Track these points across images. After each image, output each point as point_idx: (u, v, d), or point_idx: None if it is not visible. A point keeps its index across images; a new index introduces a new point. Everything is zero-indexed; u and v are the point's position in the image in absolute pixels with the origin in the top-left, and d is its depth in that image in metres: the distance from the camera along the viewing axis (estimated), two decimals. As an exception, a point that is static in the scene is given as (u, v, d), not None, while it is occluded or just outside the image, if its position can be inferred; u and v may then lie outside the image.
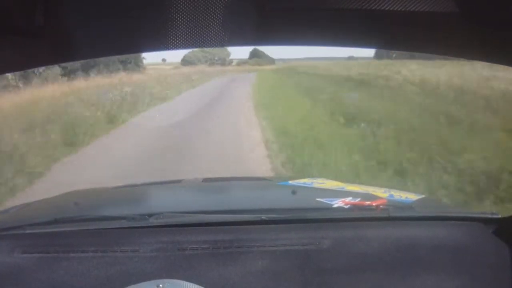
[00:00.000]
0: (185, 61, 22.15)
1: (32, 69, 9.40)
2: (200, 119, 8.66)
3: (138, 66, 19.82)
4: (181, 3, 0.73)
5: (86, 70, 15.72)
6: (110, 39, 0.86)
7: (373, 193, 1.36)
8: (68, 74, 14.97)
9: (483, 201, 3.64)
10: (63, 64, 11.05)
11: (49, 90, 11.55)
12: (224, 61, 25.66)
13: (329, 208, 1.22)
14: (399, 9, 0.72)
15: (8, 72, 1.46)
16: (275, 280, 0.91)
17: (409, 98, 9.11)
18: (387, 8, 0.73)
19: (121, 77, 15.20)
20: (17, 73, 10.80)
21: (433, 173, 4.30)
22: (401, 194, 1.38)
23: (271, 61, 30.73)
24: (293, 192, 1.38)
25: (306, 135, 6.65)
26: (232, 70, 25.20)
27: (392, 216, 1.11)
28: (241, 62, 29.28)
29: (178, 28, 0.78)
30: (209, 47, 0.86)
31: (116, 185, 1.94)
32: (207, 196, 1.68)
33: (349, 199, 1.25)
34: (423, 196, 1.41)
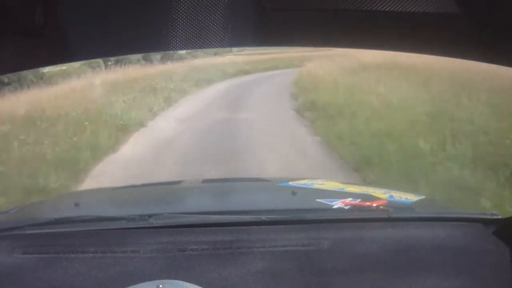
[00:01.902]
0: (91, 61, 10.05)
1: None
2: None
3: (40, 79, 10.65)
4: (181, 3, 0.73)
5: None
6: (110, 40, 0.86)
7: (373, 194, 1.36)
8: None
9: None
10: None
11: None
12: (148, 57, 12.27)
13: (329, 209, 1.22)
14: (399, 10, 0.72)
15: (8, 72, 1.46)
16: (275, 280, 0.91)
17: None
18: (387, 9, 0.73)
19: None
20: None
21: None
22: (401, 195, 1.38)
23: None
24: (293, 193, 1.38)
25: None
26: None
27: (392, 217, 1.11)
28: (177, 57, 15.60)
29: (178, 29, 0.78)
30: (210, 48, 0.86)
31: (116, 186, 1.94)
32: (207, 197, 1.68)
33: (349, 200, 1.25)
34: (423, 197, 1.41)
